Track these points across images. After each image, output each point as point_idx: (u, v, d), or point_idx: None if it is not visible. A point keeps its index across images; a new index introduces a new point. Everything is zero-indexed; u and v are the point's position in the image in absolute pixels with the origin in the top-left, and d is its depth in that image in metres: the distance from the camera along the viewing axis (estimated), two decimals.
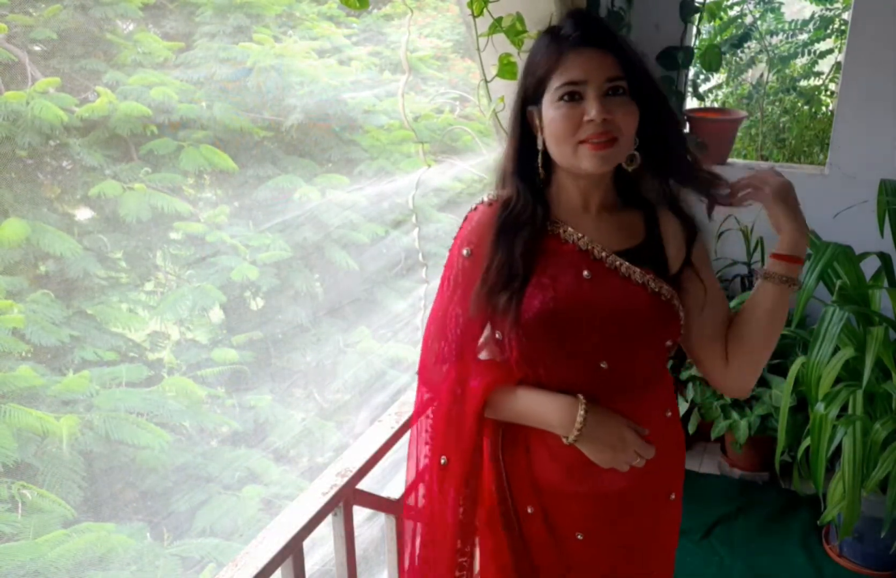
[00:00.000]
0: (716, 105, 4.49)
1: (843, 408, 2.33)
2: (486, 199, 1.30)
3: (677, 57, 2.98)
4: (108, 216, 3.58)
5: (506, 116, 1.79)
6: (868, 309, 2.36)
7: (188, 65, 3.94)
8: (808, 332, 2.46)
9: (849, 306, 2.26)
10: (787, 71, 4.60)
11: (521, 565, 1.32)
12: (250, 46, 4.13)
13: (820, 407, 2.27)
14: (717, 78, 4.55)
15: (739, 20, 4.30)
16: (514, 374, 1.27)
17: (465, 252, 1.27)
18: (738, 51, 4.45)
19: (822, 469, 2.24)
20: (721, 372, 1.31)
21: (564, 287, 1.22)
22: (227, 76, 4.01)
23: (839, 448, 2.27)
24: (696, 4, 2.98)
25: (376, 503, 1.57)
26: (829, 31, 4.45)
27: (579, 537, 1.32)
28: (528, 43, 1.75)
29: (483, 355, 1.32)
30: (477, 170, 4.01)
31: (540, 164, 1.26)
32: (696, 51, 3.17)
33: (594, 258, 1.24)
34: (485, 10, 1.70)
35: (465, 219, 1.31)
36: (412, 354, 4.00)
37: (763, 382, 2.92)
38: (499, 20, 1.71)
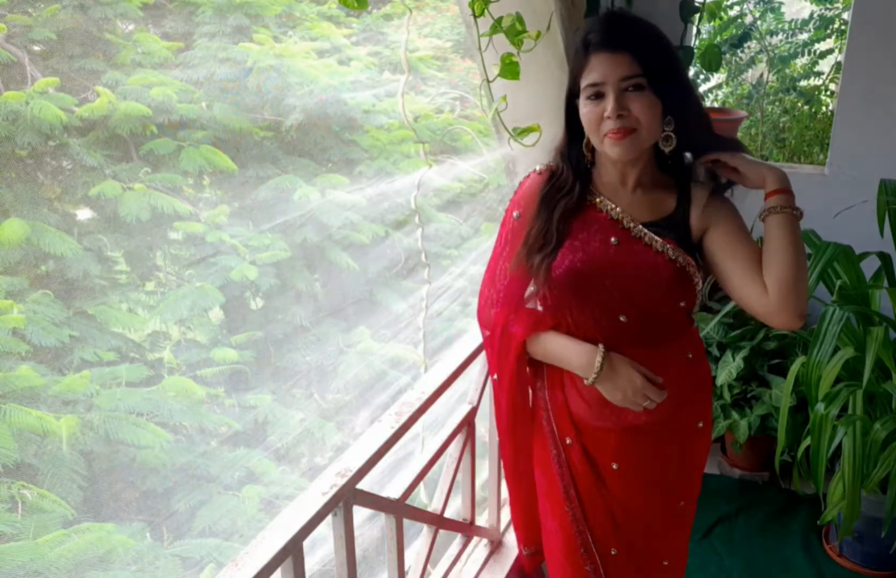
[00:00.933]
0: (716, 105, 4.50)
1: (843, 408, 2.33)
2: (538, 168, 1.52)
3: None
4: (108, 216, 3.58)
5: (508, 116, 1.81)
6: (868, 309, 2.36)
7: (188, 65, 3.93)
8: (808, 332, 2.45)
9: (849, 306, 2.26)
10: (787, 71, 4.61)
11: (568, 491, 1.56)
12: (250, 46, 4.13)
13: (820, 407, 2.27)
14: (717, 78, 4.55)
15: (739, 20, 4.30)
16: (549, 321, 1.50)
17: (514, 214, 1.51)
18: (738, 51, 4.45)
19: (822, 469, 2.24)
20: (765, 303, 1.39)
21: (593, 250, 1.42)
22: (226, 76, 4.01)
23: (839, 448, 2.26)
24: (696, 4, 2.98)
25: (376, 503, 1.57)
26: (829, 31, 4.45)
27: (614, 466, 1.52)
28: (528, 43, 1.75)
29: (530, 305, 1.56)
30: (477, 170, 4.01)
31: (585, 147, 1.46)
32: (696, 51, 3.17)
33: (623, 227, 1.43)
34: (485, 11, 1.70)
35: (520, 184, 1.53)
36: (413, 355, 4.00)
37: (763, 382, 2.93)
38: (499, 20, 1.71)
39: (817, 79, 4.54)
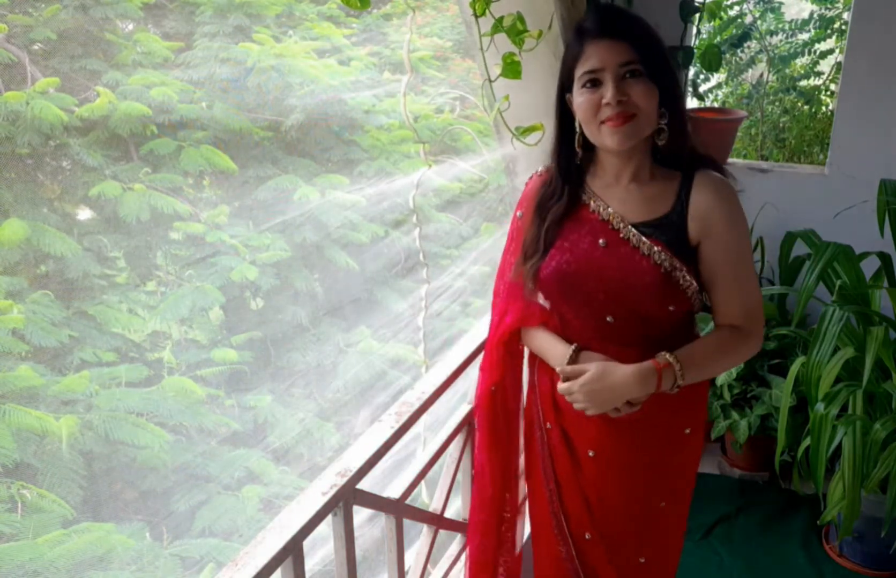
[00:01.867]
0: (716, 105, 4.49)
1: (843, 408, 2.32)
2: (540, 169, 1.54)
3: (677, 57, 2.98)
4: (108, 216, 3.58)
5: (509, 116, 1.80)
6: (868, 309, 2.36)
7: (188, 65, 3.94)
8: (808, 332, 2.45)
9: (849, 306, 2.26)
10: (787, 71, 4.60)
11: (547, 473, 1.60)
12: (250, 46, 4.13)
13: (820, 406, 2.27)
14: (717, 78, 4.54)
15: (739, 20, 4.29)
16: (538, 318, 1.53)
17: (518, 214, 1.56)
18: (738, 51, 4.44)
19: (822, 469, 2.24)
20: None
21: (581, 251, 1.43)
22: (227, 76, 4.01)
23: (839, 448, 2.26)
24: (696, 4, 2.98)
25: (376, 503, 1.57)
26: (829, 31, 4.45)
27: (591, 453, 1.53)
28: (530, 42, 1.75)
29: (535, 297, 1.58)
30: (477, 170, 4.01)
31: (578, 143, 1.44)
32: (696, 51, 3.17)
33: (612, 228, 1.42)
34: (486, 10, 1.70)
35: (526, 184, 1.57)
36: (413, 355, 4.00)
37: (763, 382, 2.92)
38: (500, 20, 1.71)
39: (817, 79, 4.54)
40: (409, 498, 1.69)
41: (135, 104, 3.53)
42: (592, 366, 1.41)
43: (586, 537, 1.58)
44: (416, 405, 1.68)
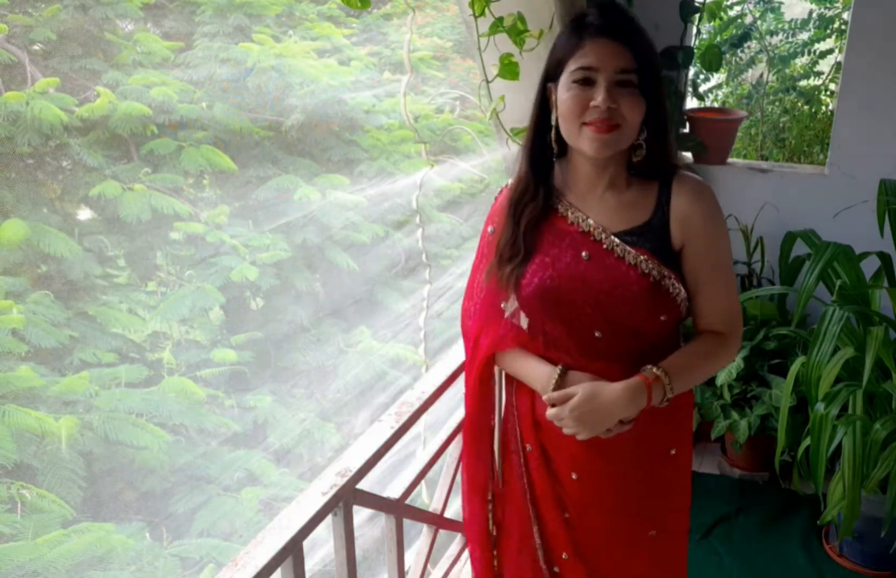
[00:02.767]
0: (716, 105, 4.49)
1: (843, 408, 2.32)
2: (509, 181, 1.47)
3: (677, 57, 2.97)
4: (108, 216, 3.58)
5: (506, 116, 1.79)
6: (868, 309, 2.36)
7: (188, 65, 3.94)
8: (808, 332, 2.45)
9: (849, 306, 2.26)
10: (787, 71, 4.60)
11: (525, 495, 1.51)
12: (250, 46, 4.13)
13: (820, 406, 2.27)
14: (717, 78, 4.53)
15: (739, 20, 4.29)
16: (512, 341, 1.44)
17: (489, 229, 1.48)
18: (738, 51, 4.43)
19: (822, 469, 2.24)
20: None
21: (563, 266, 1.36)
22: (227, 76, 4.01)
23: (839, 448, 2.26)
24: (696, 4, 2.98)
25: (376, 503, 1.57)
26: (829, 31, 4.44)
27: (574, 477, 1.45)
28: (531, 42, 1.75)
29: (515, 319, 1.49)
30: (478, 170, 4.01)
31: (553, 140, 1.37)
32: (696, 50, 3.17)
33: (594, 239, 1.35)
34: (486, 10, 1.69)
35: (495, 199, 1.50)
36: (413, 355, 4.00)
37: (763, 382, 2.92)
38: (500, 20, 1.71)
39: (817, 79, 4.53)
40: (409, 498, 1.70)
41: (135, 104, 3.53)
42: (580, 389, 1.33)
43: (563, 557, 1.51)
44: (416, 405, 1.68)
